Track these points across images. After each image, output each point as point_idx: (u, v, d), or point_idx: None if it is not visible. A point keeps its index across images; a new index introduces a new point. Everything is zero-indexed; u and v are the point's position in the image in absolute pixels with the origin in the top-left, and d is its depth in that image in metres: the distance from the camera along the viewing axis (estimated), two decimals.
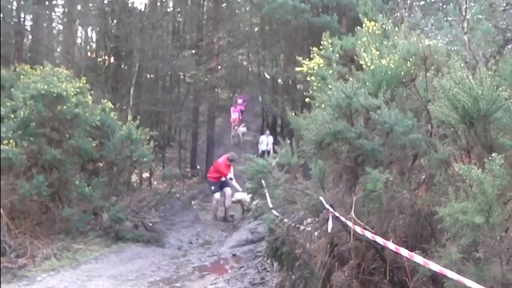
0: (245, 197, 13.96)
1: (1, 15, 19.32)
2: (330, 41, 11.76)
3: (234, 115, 30.11)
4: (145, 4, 23.83)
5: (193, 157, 26.07)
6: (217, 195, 15.86)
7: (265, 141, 25.02)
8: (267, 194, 8.19)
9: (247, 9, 31.49)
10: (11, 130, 10.87)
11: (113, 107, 13.83)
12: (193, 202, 18.89)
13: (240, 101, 32.22)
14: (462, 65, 6.87)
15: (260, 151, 23.69)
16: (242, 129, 29.50)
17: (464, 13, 8.91)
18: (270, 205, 7.90)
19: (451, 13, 9.99)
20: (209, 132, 25.69)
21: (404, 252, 4.71)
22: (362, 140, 5.79)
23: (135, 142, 12.97)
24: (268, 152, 21.78)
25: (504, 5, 9.14)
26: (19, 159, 10.64)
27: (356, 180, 6.06)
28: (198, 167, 25.65)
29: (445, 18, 12.27)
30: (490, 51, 8.53)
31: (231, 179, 16.06)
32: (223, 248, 12.24)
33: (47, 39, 27.94)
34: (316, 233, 6.78)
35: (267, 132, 26.32)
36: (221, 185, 15.99)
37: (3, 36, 22.01)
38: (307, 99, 11.08)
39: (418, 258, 4.50)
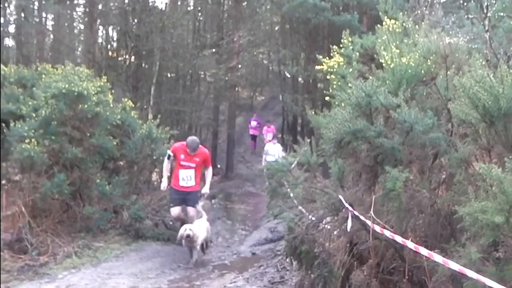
0: (206, 231, 10.74)
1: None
2: (350, 39, 11.69)
3: (268, 137, 25.82)
4: (166, 3, 23.97)
5: (213, 156, 26.15)
6: (174, 210, 11.00)
7: (272, 151, 20.54)
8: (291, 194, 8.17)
9: (268, 8, 31.47)
10: (33, 129, 10.97)
11: (133, 106, 13.87)
12: (213, 201, 18.91)
13: (254, 123, 29.25)
14: (483, 63, 6.83)
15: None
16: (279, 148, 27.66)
17: (485, 11, 8.83)
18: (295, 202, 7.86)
19: (473, 11, 9.91)
20: (229, 131, 25.79)
21: (423, 251, 4.69)
22: (382, 138, 5.76)
23: (156, 141, 12.99)
24: None
25: None
26: (41, 158, 10.72)
27: (375, 179, 6.04)
28: (219, 166, 25.73)
29: (466, 16, 12.20)
30: None
31: (200, 196, 11.13)
32: (243, 247, 12.25)
33: (68, 38, 28.19)
34: (335, 232, 6.78)
35: (275, 140, 22.56)
36: (183, 198, 10.92)
37: (25, 36, 22.22)
38: (327, 98, 11.03)
39: (437, 258, 4.48)
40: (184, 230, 10.03)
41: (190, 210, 10.97)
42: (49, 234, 10.61)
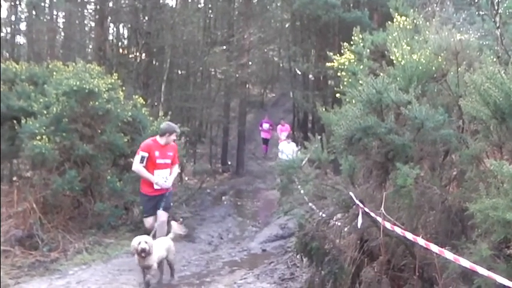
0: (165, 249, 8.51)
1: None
2: (360, 36, 11.64)
3: (283, 136, 23.94)
4: (177, 0, 23.98)
5: (224, 153, 26.20)
6: (147, 221, 9.40)
7: (287, 151, 17.92)
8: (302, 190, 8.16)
9: (278, 4, 31.43)
10: (44, 126, 11.04)
11: (144, 102, 13.86)
12: (224, 198, 18.97)
13: (266, 125, 28.06)
14: (494, 59, 6.81)
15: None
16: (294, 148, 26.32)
17: (496, 7, 8.79)
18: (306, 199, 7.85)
19: (483, 7, 9.87)
20: (240, 128, 25.77)
21: (434, 248, 4.68)
22: (392, 135, 5.76)
23: None
24: None
25: None
26: (52, 155, 10.79)
27: (386, 176, 6.03)
28: (229, 162, 25.79)
29: (477, 13, 12.14)
30: None
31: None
32: (253, 243, 12.24)
33: (79, 36, 28.23)
34: (346, 229, 6.78)
35: (289, 139, 20.51)
36: (156, 202, 9.31)
37: (36, 33, 22.32)
38: (337, 95, 11.01)
39: (448, 254, 4.47)
40: (138, 242, 7.79)
41: (161, 214, 9.28)
42: (60, 231, 10.68)
